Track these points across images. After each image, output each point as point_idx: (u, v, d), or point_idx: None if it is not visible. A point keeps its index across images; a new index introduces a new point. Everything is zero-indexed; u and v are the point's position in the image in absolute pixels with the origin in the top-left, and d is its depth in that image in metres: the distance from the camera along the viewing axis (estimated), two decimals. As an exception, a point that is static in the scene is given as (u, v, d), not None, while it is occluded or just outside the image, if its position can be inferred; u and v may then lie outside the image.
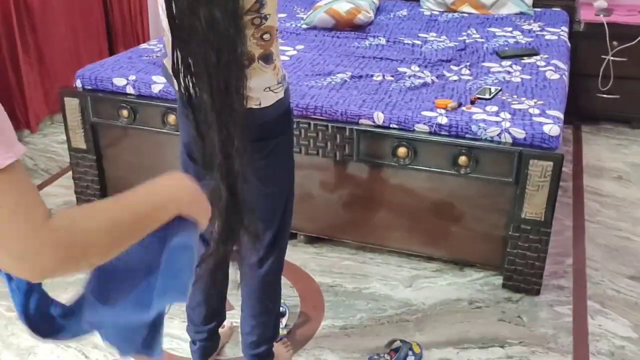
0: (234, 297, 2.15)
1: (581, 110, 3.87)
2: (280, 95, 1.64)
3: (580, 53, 3.73)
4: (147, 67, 2.85)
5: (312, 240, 2.79)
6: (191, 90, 1.46)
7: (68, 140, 2.89)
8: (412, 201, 2.55)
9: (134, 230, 0.87)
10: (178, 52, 1.43)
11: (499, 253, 2.51)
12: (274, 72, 1.61)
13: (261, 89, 1.59)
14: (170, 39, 1.47)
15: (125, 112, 2.73)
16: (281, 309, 2.15)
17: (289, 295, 2.48)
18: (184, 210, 0.95)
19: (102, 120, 2.80)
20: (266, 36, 1.55)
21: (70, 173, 3.09)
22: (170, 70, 1.52)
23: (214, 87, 1.42)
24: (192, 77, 1.44)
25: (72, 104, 2.79)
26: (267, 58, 1.58)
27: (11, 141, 0.80)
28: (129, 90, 2.75)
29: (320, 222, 2.71)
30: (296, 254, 2.69)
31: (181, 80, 1.46)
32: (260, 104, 1.60)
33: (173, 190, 0.95)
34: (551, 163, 2.25)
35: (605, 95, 3.82)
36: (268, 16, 1.52)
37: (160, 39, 3.38)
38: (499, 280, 2.55)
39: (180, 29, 1.41)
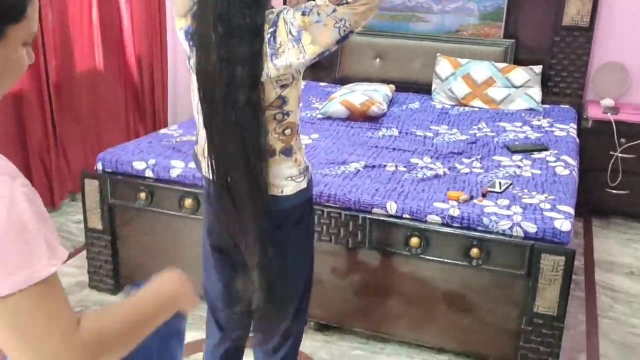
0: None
1: (591, 204, 3.89)
2: (303, 185, 1.70)
3: (589, 149, 3.79)
4: (167, 152, 2.93)
5: (322, 327, 2.77)
6: (215, 176, 1.56)
7: (85, 220, 2.94)
8: (424, 291, 2.55)
9: (145, 330, 1.00)
10: (210, 139, 1.56)
11: (511, 346, 2.48)
12: (295, 164, 1.67)
13: (283, 178, 1.66)
14: (202, 126, 1.59)
15: (142, 195, 2.79)
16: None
17: (298, 385, 2.44)
18: (180, 306, 1.09)
19: (119, 201, 2.86)
20: (287, 131, 1.63)
21: (84, 253, 3.12)
22: (200, 155, 1.66)
23: (235, 175, 1.53)
24: (218, 162, 1.55)
25: (91, 185, 2.86)
26: (287, 152, 1.65)
27: (56, 247, 0.89)
28: (148, 173, 2.81)
29: (331, 309, 2.70)
30: (306, 342, 2.65)
31: (212, 165, 1.57)
32: (282, 192, 1.66)
33: (173, 289, 1.08)
34: (563, 258, 2.27)
35: (614, 191, 3.85)
36: (290, 112, 1.61)
37: (180, 124, 3.49)
38: (511, 375, 2.50)
39: (213, 119, 1.53)
